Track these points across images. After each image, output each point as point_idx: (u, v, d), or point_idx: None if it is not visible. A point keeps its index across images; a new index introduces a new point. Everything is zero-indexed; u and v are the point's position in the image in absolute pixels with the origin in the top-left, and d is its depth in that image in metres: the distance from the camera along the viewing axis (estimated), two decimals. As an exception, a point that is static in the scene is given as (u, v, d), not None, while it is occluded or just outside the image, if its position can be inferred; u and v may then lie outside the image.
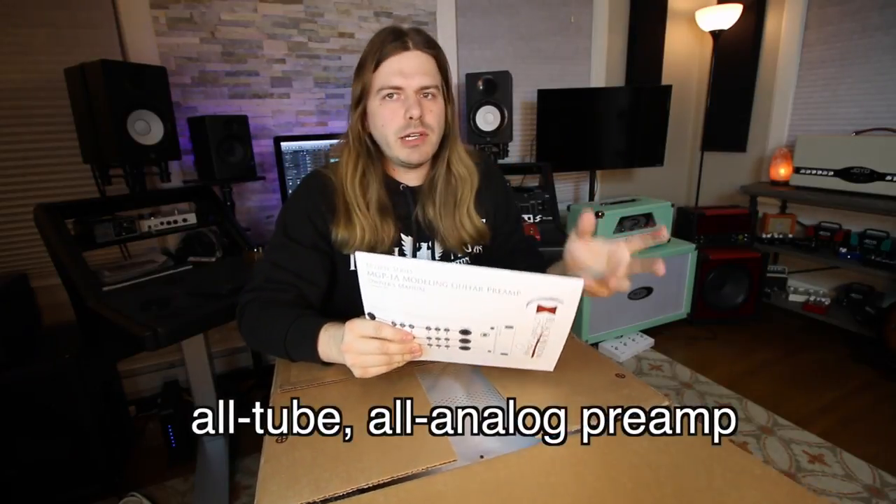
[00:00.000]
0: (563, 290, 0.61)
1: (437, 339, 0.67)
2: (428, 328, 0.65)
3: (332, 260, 0.91)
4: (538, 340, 0.67)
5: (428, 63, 0.81)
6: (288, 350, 0.75)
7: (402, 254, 0.93)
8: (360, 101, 0.84)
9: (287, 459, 0.55)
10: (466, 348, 0.69)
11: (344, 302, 0.93)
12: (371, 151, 0.89)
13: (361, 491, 0.50)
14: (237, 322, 0.84)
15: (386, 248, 0.89)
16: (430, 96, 0.83)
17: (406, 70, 0.79)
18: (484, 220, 0.97)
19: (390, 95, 0.81)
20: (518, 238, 1.04)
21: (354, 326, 0.65)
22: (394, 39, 0.79)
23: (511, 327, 0.65)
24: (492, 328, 0.65)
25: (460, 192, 0.92)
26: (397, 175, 0.94)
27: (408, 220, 0.93)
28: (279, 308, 0.80)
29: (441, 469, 0.53)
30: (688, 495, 0.48)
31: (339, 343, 0.67)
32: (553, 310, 0.62)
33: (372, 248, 0.87)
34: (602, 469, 0.51)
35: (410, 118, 0.81)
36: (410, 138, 0.83)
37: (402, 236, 0.92)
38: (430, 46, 0.82)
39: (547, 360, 0.71)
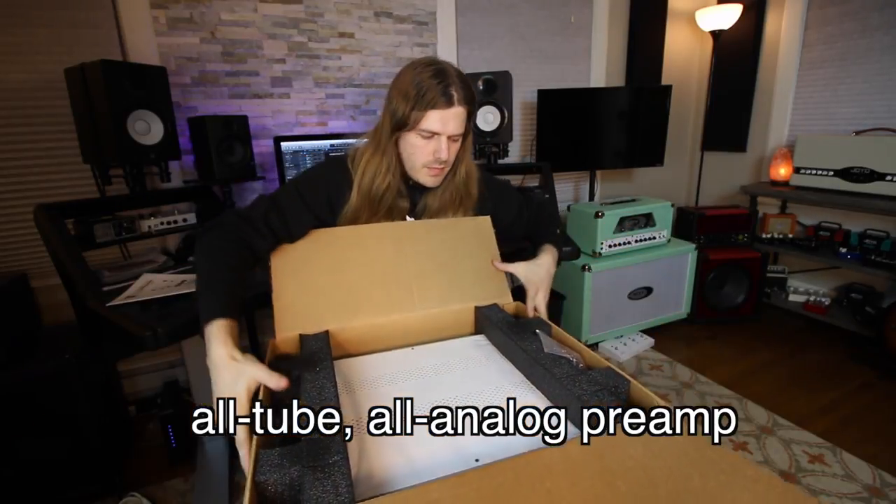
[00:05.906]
0: None
1: None
2: None
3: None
4: None
5: (464, 114, 0.95)
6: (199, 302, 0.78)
7: None
8: (401, 127, 0.96)
9: None
10: None
11: None
12: (394, 160, 1.00)
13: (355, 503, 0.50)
14: (203, 231, 0.87)
15: None
16: (456, 140, 0.97)
17: (446, 122, 0.93)
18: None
19: (427, 136, 0.94)
20: (528, 218, 1.17)
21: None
22: (442, 93, 0.90)
23: None
24: None
25: (458, 203, 1.05)
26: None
27: (414, 208, 1.05)
28: (229, 262, 0.83)
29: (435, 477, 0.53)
30: (681, 497, 0.48)
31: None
32: None
33: None
34: (598, 474, 0.51)
35: (437, 157, 0.95)
36: (434, 169, 0.98)
37: (409, 218, 1.04)
38: (469, 102, 0.94)
39: None
